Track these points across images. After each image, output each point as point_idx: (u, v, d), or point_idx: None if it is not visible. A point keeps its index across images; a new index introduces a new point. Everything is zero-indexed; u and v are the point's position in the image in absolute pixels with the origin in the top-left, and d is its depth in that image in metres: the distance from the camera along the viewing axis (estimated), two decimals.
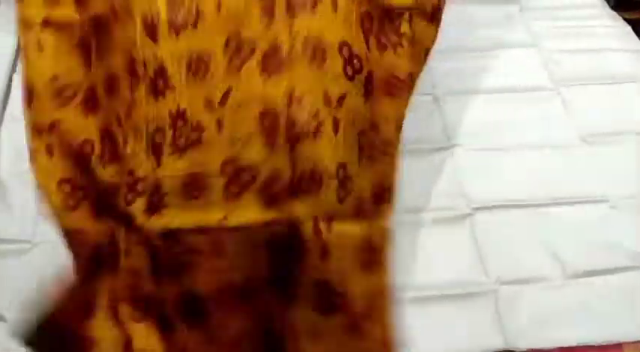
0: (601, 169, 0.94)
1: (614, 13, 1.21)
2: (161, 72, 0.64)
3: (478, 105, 1.01)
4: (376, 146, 0.68)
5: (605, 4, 1.24)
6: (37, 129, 0.69)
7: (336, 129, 0.62)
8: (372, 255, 0.66)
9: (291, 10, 0.65)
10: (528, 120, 1.00)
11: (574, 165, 0.94)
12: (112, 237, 0.64)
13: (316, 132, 0.61)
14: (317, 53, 0.64)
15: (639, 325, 0.77)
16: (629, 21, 1.20)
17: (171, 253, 0.61)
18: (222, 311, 0.64)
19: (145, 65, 0.64)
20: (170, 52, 0.64)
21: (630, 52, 1.12)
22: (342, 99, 0.64)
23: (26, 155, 0.91)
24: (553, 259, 0.83)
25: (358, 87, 0.66)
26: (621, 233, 0.86)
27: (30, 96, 0.69)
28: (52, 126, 0.68)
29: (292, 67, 0.63)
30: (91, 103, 0.69)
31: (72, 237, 0.68)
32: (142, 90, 0.65)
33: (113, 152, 0.67)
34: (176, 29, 0.64)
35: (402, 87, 0.70)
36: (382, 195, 0.68)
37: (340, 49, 0.65)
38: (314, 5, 0.65)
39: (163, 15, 0.64)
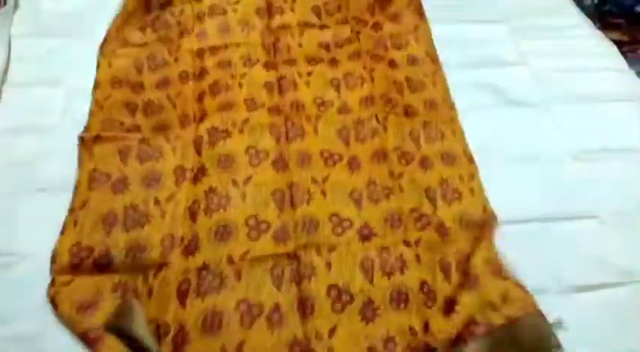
0: (591, 186, 0.95)
1: (600, 33, 1.24)
2: None
3: (468, 121, 1.02)
4: None
5: (592, 24, 1.26)
6: (72, 208, 0.87)
7: None
8: None
9: None
10: (518, 137, 1.01)
11: (564, 181, 0.95)
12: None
13: None
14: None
15: (629, 340, 0.78)
16: (613, 41, 1.22)
17: (203, 281, 0.79)
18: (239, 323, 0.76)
19: None
20: None
21: (618, 71, 1.14)
22: None
23: (15, 167, 0.92)
24: (546, 274, 0.84)
25: None
26: (611, 249, 0.87)
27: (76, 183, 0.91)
28: (84, 204, 0.87)
29: None
30: None
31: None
32: None
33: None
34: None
35: None
36: None
37: None
38: None
39: None
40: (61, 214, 0.86)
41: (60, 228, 0.85)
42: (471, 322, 0.76)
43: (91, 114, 1.00)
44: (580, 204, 0.92)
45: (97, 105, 1.02)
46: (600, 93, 1.09)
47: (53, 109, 1.02)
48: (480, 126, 1.01)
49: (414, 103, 1.05)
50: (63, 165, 0.93)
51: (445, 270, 0.83)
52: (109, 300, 0.78)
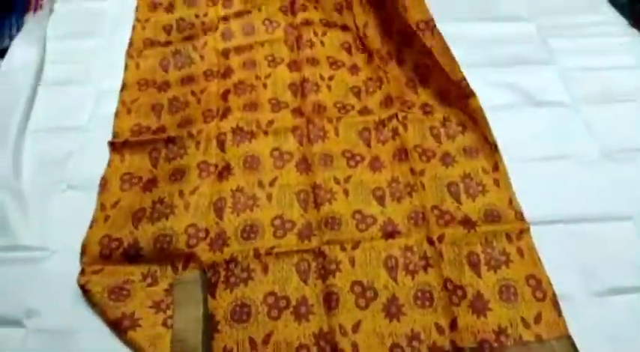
0: (624, 187, 0.92)
1: (633, 29, 1.21)
2: None
3: (498, 121, 0.99)
4: None
5: (624, 20, 1.23)
6: (102, 207, 0.90)
7: None
8: None
9: None
10: (547, 138, 0.99)
11: (596, 182, 0.93)
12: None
13: None
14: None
15: None
16: None
17: (232, 273, 0.81)
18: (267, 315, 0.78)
19: None
20: None
21: None
22: None
23: (47, 165, 0.95)
24: (578, 276, 0.82)
25: None
26: None
27: (105, 183, 0.93)
28: (116, 203, 0.90)
29: None
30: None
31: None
32: None
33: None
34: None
35: None
36: None
37: None
38: None
39: None
40: (91, 211, 0.89)
41: (88, 226, 0.87)
42: (501, 331, 0.75)
43: (118, 116, 1.03)
44: (613, 205, 0.90)
45: (125, 107, 1.04)
46: (632, 91, 1.06)
47: (84, 109, 1.05)
48: (507, 127, 0.99)
49: (430, 101, 1.05)
50: (93, 164, 0.95)
51: (473, 264, 0.82)
52: (140, 290, 0.80)
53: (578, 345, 0.75)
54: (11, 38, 1.17)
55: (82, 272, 0.82)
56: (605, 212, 0.89)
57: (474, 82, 1.05)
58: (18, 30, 1.19)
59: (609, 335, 0.76)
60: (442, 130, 1.00)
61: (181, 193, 0.89)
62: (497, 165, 0.93)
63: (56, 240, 0.86)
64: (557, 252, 0.84)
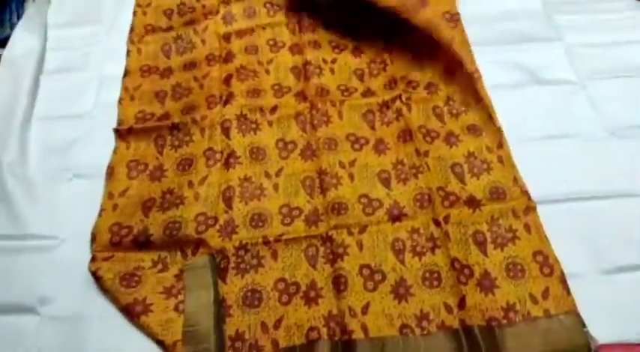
0: (631, 163, 0.92)
1: (638, 3, 1.19)
2: None
3: (503, 99, 0.99)
4: None
5: None
6: (110, 195, 0.90)
7: None
8: None
9: None
10: (555, 115, 0.99)
11: (602, 159, 0.92)
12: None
13: None
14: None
15: None
16: None
17: (242, 260, 0.82)
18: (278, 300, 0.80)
19: None
20: None
21: None
22: None
23: (53, 154, 0.95)
24: (585, 255, 0.82)
25: None
26: None
27: (112, 171, 0.93)
28: (124, 192, 0.91)
29: None
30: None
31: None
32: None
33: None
34: None
35: None
36: None
37: None
38: None
39: None
40: (98, 198, 0.89)
41: (96, 212, 0.87)
42: (509, 308, 0.76)
43: (122, 103, 1.03)
44: (620, 183, 0.89)
45: (127, 94, 1.04)
46: (637, 66, 1.05)
47: (87, 96, 1.05)
48: (512, 106, 0.98)
49: (435, 80, 1.04)
50: (98, 152, 0.95)
51: (480, 243, 0.82)
52: (151, 276, 0.81)
53: (589, 323, 0.75)
54: (12, 26, 1.16)
55: (93, 259, 0.82)
56: (612, 189, 0.89)
57: (479, 60, 1.04)
58: (18, 18, 1.18)
59: (618, 312, 0.77)
60: (446, 109, 0.99)
61: (190, 184, 0.90)
62: (501, 143, 0.93)
63: (65, 228, 0.86)
64: (565, 231, 0.84)
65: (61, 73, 1.09)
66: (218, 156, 0.94)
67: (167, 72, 1.08)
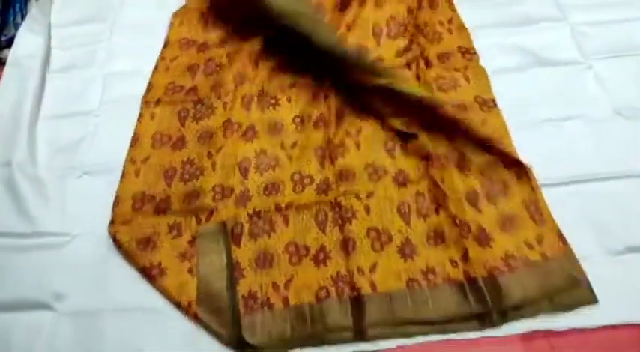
0: (636, 143, 0.91)
1: None
2: None
3: (508, 81, 0.99)
4: None
5: None
6: (132, 160, 0.94)
7: None
8: None
9: None
10: (560, 96, 0.98)
11: (608, 140, 0.92)
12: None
13: None
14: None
15: None
16: None
17: (255, 226, 0.86)
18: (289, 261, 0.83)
19: None
20: None
21: None
22: None
23: (61, 152, 0.97)
24: (593, 236, 0.82)
25: None
26: None
27: (137, 139, 0.97)
28: (146, 159, 0.95)
29: None
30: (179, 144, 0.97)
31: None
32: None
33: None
34: None
35: None
36: None
37: None
38: None
39: None
40: (107, 195, 0.90)
41: (105, 208, 0.89)
42: (508, 256, 0.78)
43: (156, 72, 1.06)
44: (627, 163, 0.88)
45: (164, 64, 1.08)
46: None
47: (93, 94, 1.05)
48: (517, 88, 0.98)
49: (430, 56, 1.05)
50: (105, 148, 0.97)
51: (472, 201, 0.85)
52: (166, 241, 0.85)
53: (598, 304, 0.75)
54: (16, 27, 1.17)
55: (112, 222, 0.86)
56: (619, 170, 0.88)
57: (482, 43, 1.04)
58: (22, 18, 1.19)
59: (628, 293, 0.76)
60: (434, 85, 1.00)
61: (209, 154, 0.93)
62: (485, 120, 0.94)
63: (76, 225, 0.88)
64: (572, 213, 0.84)
65: (66, 71, 1.10)
66: (236, 126, 0.96)
67: (203, 47, 1.11)
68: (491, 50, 1.04)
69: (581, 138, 0.92)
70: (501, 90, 0.98)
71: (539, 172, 0.87)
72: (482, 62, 1.02)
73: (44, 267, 0.84)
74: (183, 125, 0.98)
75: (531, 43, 1.06)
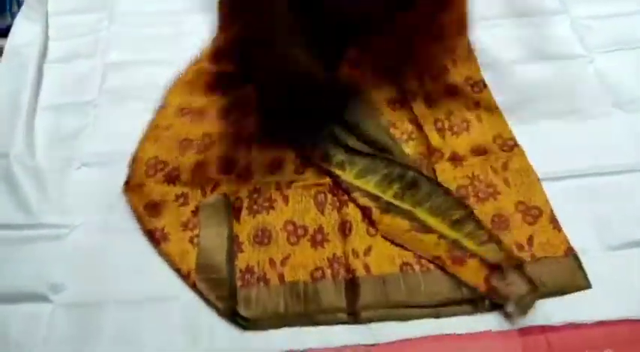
0: (637, 137, 0.91)
1: None
2: None
3: (509, 74, 0.98)
4: None
5: None
6: (156, 125, 0.95)
7: None
8: None
9: None
10: (561, 90, 0.97)
11: (610, 134, 0.91)
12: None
13: None
14: None
15: None
16: None
17: (254, 202, 0.88)
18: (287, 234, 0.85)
19: None
20: None
21: None
22: None
23: (59, 143, 0.96)
24: (592, 231, 0.82)
25: None
26: None
27: (165, 106, 0.98)
28: (168, 127, 0.96)
29: None
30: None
31: None
32: None
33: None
34: None
35: None
36: None
37: None
38: None
39: None
40: (107, 186, 0.90)
41: (106, 201, 0.88)
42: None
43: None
44: (628, 157, 0.88)
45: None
46: None
47: (92, 84, 1.04)
48: (518, 83, 0.98)
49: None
50: (104, 139, 0.96)
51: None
52: (173, 208, 0.87)
53: (595, 299, 0.75)
54: (13, 16, 1.15)
55: (127, 184, 0.89)
56: (619, 164, 0.88)
57: (483, 36, 1.03)
58: (18, 6, 1.17)
59: (627, 288, 0.76)
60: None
61: (225, 126, 0.95)
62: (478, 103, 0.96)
63: (75, 216, 0.87)
64: (571, 208, 0.83)
65: (64, 61, 1.09)
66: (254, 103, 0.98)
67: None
68: (492, 42, 1.03)
69: (582, 131, 0.92)
70: (501, 83, 0.97)
71: (540, 166, 0.87)
72: (482, 54, 1.02)
73: (42, 259, 0.83)
74: (207, 96, 0.99)
75: (532, 35, 1.05)
